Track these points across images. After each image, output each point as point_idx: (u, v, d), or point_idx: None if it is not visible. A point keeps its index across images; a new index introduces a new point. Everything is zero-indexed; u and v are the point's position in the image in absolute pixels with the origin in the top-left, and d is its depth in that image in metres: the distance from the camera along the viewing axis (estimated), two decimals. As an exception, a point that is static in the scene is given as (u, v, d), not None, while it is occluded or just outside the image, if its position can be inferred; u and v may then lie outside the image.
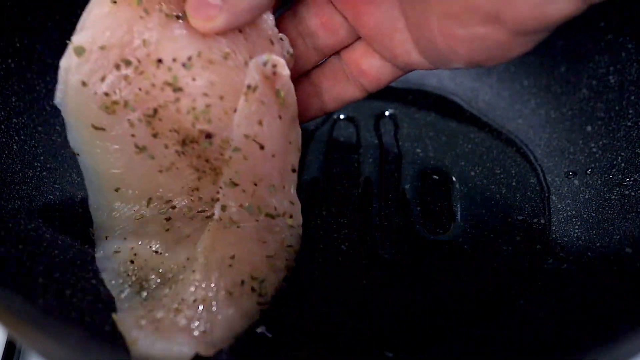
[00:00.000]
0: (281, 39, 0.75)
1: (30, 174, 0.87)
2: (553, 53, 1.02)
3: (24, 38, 0.93)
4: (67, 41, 0.94)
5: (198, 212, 0.77)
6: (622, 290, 0.77)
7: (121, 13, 0.73)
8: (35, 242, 0.81)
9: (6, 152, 0.87)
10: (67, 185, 0.88)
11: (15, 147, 0.87)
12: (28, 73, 0.93)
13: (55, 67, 0.98)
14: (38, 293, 0.77)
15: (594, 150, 0.91)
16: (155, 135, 0.74)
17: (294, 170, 0.76)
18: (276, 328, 0.77)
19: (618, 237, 0.82)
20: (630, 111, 0.93)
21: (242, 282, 0.73)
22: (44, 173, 0.88)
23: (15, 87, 0.90)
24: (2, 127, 0.86)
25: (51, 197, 0.86)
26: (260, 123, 0.71)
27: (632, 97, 0.95)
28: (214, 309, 0.71)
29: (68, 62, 0.75)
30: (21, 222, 0.80)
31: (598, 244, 0.82)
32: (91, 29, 0.75)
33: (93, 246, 0.83)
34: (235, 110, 0.71)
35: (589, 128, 0.94)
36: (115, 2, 0.74)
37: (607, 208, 0.85)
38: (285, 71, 0.72)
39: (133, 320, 0.72)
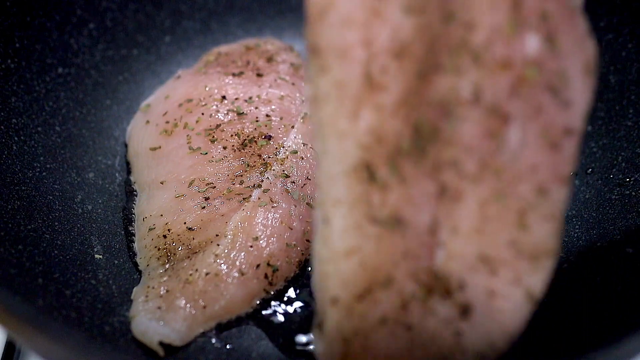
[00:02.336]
0: None
1: (30, 174, 0.87)
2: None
3: (23, 39, 0.93)
4: (67, 38, 0.94)
5: (237, 194, 0.82)
6: (623, 290, 0.77)
7: (184, 77, 0.95)
8: (35, 242, 0.81)
9: (6, 152, 0.87)
10: (67, 185, 0.88)
11: (15, 147, 0.88)
12: (28, 73, 0.93)
13: (55, 67, 0.99)
14: (38, 293, 0.77)
15: (594, 150, 0.91)
16: (213, 141, 0.86)
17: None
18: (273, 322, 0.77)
19: (618, 237, 0.82)
20: (631, 111, 0.93)
21: (258, 266, 0.77)
22: (44, 173, 0.88)
23: (15, 87, 0.90)
24: (2, 127, 0.86)
25: (51, 197, 0.86)
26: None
27: (632, 97, 0.95)
28: (222, 285, 0.75)
29: (136, 116, 0.95)
30: (21, 222, 0.80)
31: (598, 244, 0.82)
32: (157, 92, 0.96)
33: (93, 246, 0.83)
34: (293, 127, 0.88)
35: (589, 128, 0.94)
36: (179, 77, 0.96)
37: (607, 208, 0.85)
38: None
39: (144, 291, 0.76)
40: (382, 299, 0.60)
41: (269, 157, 0.85)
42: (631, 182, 0.87)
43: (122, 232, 0.86)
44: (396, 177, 0.58)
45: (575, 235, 0.84)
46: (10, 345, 0.82)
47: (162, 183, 0.85)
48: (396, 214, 0.59)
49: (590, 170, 0.90)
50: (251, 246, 0.77)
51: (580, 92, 0.54)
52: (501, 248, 0.58)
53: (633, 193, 0.86)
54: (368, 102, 0.54)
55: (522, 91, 0.52)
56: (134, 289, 0.77)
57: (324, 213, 0.59)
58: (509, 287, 0.58)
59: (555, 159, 0.55)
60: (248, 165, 0.84)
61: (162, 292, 0.75)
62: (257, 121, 0.88)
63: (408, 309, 0.60)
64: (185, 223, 0.81)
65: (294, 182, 0.83)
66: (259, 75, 0.95)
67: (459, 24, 0.52)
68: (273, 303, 0.79)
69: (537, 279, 0.58)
